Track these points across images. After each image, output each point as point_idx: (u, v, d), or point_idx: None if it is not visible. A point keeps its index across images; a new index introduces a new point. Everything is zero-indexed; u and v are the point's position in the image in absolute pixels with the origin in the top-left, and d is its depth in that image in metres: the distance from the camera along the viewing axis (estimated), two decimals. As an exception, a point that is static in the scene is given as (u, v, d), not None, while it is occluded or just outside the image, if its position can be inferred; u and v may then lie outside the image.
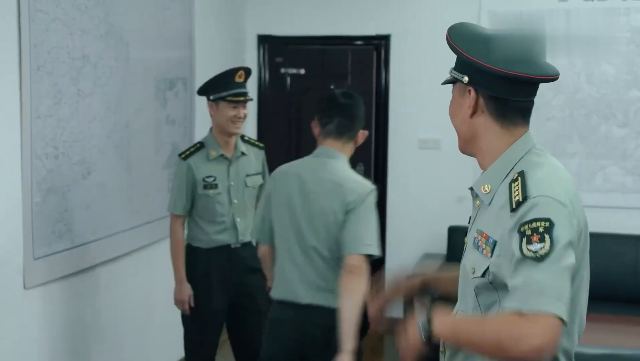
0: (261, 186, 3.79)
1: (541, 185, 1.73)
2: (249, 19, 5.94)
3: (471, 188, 1.91)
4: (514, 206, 1.71)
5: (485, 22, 5.34)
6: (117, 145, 3.95)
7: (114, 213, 3.96)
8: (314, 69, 5.92)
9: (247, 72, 3.72)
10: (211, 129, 3.72)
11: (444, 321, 1.76)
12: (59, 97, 3.44)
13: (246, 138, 3.84)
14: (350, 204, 2.82)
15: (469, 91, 1.84)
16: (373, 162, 5.81)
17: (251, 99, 3.72)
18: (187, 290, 3.65)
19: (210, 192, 3.63)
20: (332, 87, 5.85)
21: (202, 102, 5.02)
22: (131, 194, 4.12)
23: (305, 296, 2.86)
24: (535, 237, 1.65)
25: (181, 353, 3.98)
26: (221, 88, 3.59)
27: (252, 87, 5.94)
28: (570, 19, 5.22)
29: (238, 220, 3.69)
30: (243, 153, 3.73)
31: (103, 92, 3.80)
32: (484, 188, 1.85)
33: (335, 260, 2.85)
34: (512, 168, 1.82)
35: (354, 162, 5.79)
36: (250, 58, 5.97)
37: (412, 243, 5.56)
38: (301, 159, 3.03)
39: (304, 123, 5.91)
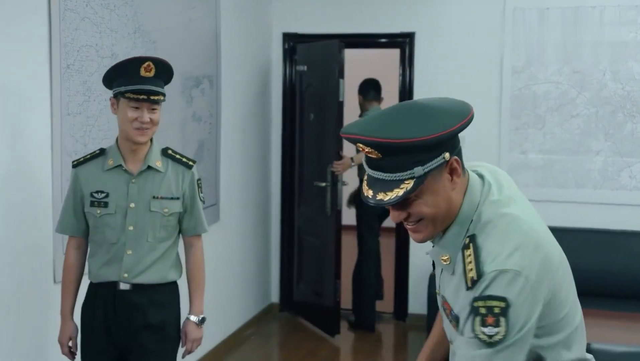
0: (181, 214, 2.95)
1: (495, 255, 1.61)
2: (274, 17, 5.95)
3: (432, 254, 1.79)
4: (469, 284, 1.61)
5: (509, 20, 5.31)
6: (145, 142, 3.97)
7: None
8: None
9: (160, 65, 2.82)
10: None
11: None
12: (88, 94, 3.48)
13: (170, 152, 2.97)
14: None
15: (451, 163, 1.64)
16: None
17: (161, 100, 2.81)
18: (68, 331, 2.94)
19: (98, 211, 2.83)
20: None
21: (227, 99, 5.06)
22: (158, 190, 4.15)
23: None
24: (491, 319, 1.58)
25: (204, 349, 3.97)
26: (122, 81, 2.77)
27: (276, 85, 5.98)
28: (597, 16, 5.17)
29: (128, 252, 2.84)
30: (153, 169, 2.88)
31: (131, 90, 3.83)
32: (443, 259, 1.73)
33: None
34: (467, 230, 1.69)
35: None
36: (276, 56, 5.99)
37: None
38: (364, 117, 4.96)
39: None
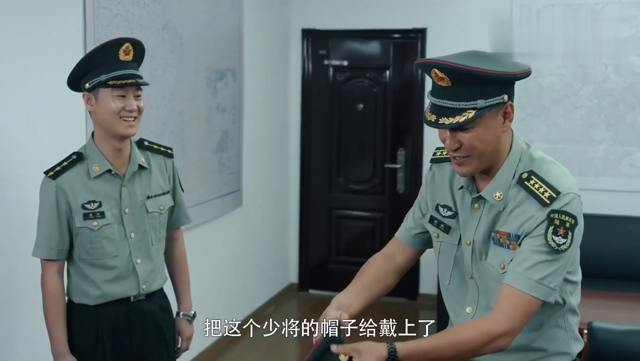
0: (172, 209, 2.63)
1: (563, 181, 1.77)
2: (293, 14, 5.95)
3: (479, 197, 1.85)
4: (547, 201, 1.73)
5: (516, 16, 5.28)
6: (172, 132, 4.00)
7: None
8: (356, 61, 5.92)
9: (138, 46, 2.42)
10: (93, 134, 2.45)
11: (407, 347, 1.72)
12: (120, 87, 3.50)
13: (147, 143, 2.58)
14: None
15: (506, 107, 1.75)
16: (411, 147, 5.81)
17: (146, 84, 2.40)
18: None
19: (94, 223, 2.39)
20: (367, 75, 5.87)
21: (250, 91, 5.08)
22: (185, 177, 4.18)
23: None
24: (562, 230, 1.72)
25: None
26: (99, 70, 2.32)
27: (295, 78, 5.98)
28: (599, 13, 5.13)
29: (138, 261, 2.47)
30: (142, 167, 2.50)
31: (159, 82, 3.85)
32: (496, 196, 1.81)
33: None
34: (515, 170, 1.81)
35: (395, 147, 5.86)
36: (295, 51, 5.99)
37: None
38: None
39: (346, 111, 5.94)
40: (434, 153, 2.05)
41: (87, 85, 2.35)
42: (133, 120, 2.36)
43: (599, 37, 5.15)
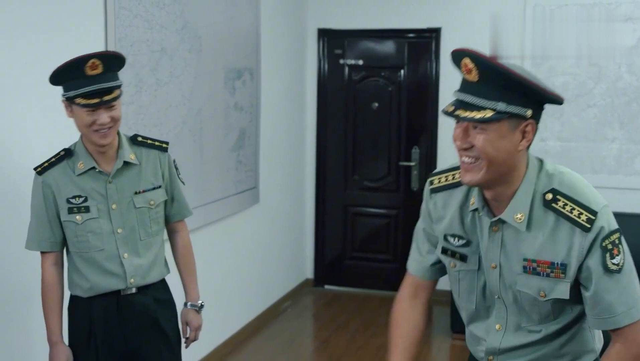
0: (168, 202, 2.64)
1: (590, 193, 1.71)
2: (310, 14, 5.97)
3: (499, 220, 1.75)
4: (587, 225, 1.67)
5: (529, 16, 5.27)
6: (191, 130, 4.04)
7: (187, 192, 4.05)
8: (371, 60, 5.93)
9: (107, 59, 2.35)
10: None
11: None
12: (140, 86, 3.54)
13: (140, 138, 2.58)
14: None
15: (527, 125, 1.64)
16: (425, 145, 5.82)
17: (115, 98, 2.35)
18: (64, 356, 2.47)
19: (78, 217, 2.43)
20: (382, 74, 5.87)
21: (267, 90, 5.10)
22: (203, 174, 4.22)
23: None
24: (615, 250, 1.68)
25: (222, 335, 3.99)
26: (70, 84, 2.32)
27: (311, 77, 6.00)
28: (613, 12, 5.11)
29: (125, 255, 2.48)
30: (129, 164, 2.50)
31: (178, 82, 3.89)
32: (517, 218, 1.72)
33: None
34: (535, 190, 1.73)
35: (410, 145, 5.87)
36: (311, 50, 6.01)
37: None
38: None
39: (361, 110, 5.96)
40: (431, 182, 1.95)
41: (63, 95, 2.37)
42: (108, 130, 2.37)
43: (613, 36, 5.13)
